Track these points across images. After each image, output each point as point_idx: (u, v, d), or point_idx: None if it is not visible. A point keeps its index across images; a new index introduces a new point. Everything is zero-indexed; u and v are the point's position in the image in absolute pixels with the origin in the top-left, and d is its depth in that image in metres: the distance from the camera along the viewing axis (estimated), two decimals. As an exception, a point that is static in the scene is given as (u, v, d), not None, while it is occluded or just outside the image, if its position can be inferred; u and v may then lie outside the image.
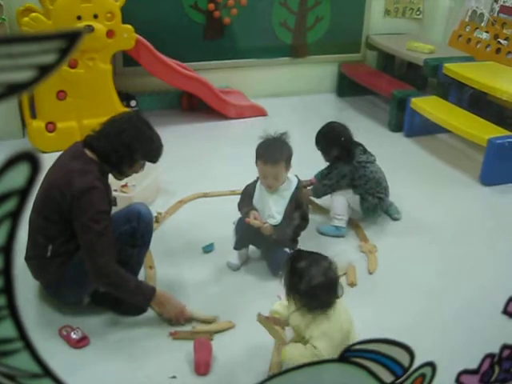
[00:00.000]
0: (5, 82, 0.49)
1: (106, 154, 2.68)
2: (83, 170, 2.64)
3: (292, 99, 5.85)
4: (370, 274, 3.17)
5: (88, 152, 2.70)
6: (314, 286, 2.17)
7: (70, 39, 0.51)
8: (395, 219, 3.76)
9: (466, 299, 3.01)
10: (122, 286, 2.63)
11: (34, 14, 4.38)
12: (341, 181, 3.55)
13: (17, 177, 0.61)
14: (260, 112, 5.43)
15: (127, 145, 2.68)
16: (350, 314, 2.30)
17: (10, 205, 0.63)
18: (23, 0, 4.77)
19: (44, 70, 0.51)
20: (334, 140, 3.58)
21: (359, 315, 2.37)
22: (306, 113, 5.55)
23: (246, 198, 3.18)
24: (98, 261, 2.55)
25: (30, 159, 0.61)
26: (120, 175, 2.85)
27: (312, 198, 3.75)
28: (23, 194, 0.63)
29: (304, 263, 2.22)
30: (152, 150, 2.80)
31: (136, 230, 2.78)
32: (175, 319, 2.73)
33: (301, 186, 3.13)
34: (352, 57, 6.15)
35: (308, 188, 3.76)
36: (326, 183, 3.62)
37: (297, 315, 2.27)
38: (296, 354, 2.22)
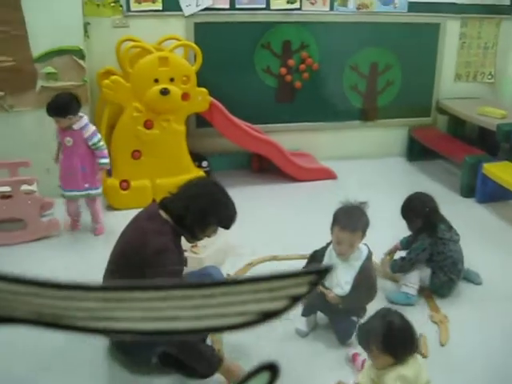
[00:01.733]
0: (263, 310, 0.55)
1: (181, 217, 2.74)
2: (158, 232, 2.70)
3: (362, 162, 5.85)
4: (442, 345, 3.08)
5: (163, 213, 2.76)
6: (391, 332, 2.36)
7: (318, 274, 0.56)
8: (478, 283, 3.70)
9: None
10: (191, 351, 2.64)
11: (113, 77, 4.57)
12: (421, 254, 3.50)
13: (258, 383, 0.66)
14: (330, 175, 5.44)
15: (202, 210, 2.72)
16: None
17: None
18: (103, 63, 4.99)
19: (295, 300, 0.57)
20: (417, 210, 3.56)
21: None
22: (376, 177, 5.53)
23: (312, 263, 3.16)
24: None
25: (272, 369, 0.67)
26: (192, 238, 2.90)
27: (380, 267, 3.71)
28: None
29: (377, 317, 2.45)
30: (226, 217, 2.84)
31: None
32: None
33: (370, 256, 3.10)
34: (422, 121, 6.13)
35: (387, 258, 3.73)
36: (405, 257, 3.56)
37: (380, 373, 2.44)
38: None
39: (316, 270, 0.57)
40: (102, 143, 4.18)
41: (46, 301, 0.52)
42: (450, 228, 3.62)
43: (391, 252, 3.79)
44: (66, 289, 0.52)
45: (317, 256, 3.17)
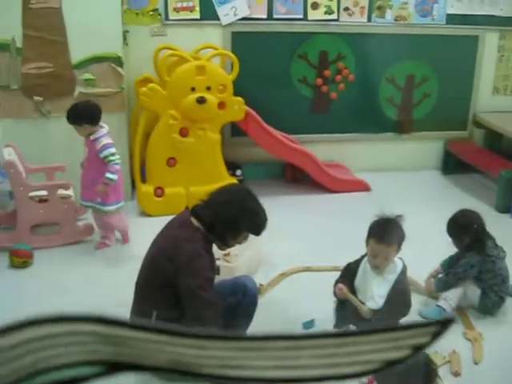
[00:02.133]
0: (386, 359, 0.57)
1: (212, 225, 2.75)
2: (190, 239, 2.71)
3: (395, 175, 5.81)
4: (476, 363, 3.04)
5: (194, 221, 2.77)
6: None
7: (442, 325, 0.58)
8: None
9: None
10: None
11: (151, 85, 4.61)
12: (468, 270, 3.44)
13: None
14: (363, 187, 5.42)
15: (233, 217, 2.73)
16: None
17: None
18: (141, 70, 5.05)
19: (416, 349, 0.59)
20: (465, 227, 3.50)
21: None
22: (410, 189, 5.49)
23: (346, 276, 3.14)
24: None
25: None
26: (223, 245, 2.91)
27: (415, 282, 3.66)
28: None
29: None
30: (257, 224, 2.84)
31: (241, 303, 2.81)
32: None
33: (405, 270, 3.06)
34: (458, 134, 6.07)
35: (431, 279, 3.65)
36: (451, 271, 3.50)
37: None
38: None
39: (440, 321, 0.58)
40: (114, 157, 4.00)
41: (176, 349, 0.54)
42: (496, 245, 3.56)
43: (433, 276, 3.68)
44: (200, 338, 0.54)
45: (351, 269, 3.14)
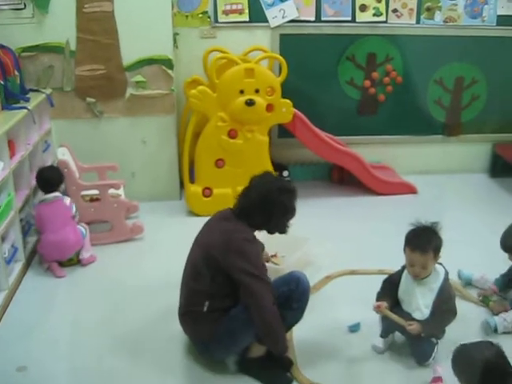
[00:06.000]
0: None
1: (250, 211, 2.87)
2: (238, 229, 2.83)
3: (442, 177, 5.79)
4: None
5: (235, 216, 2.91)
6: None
7: None
8: None
9: None
10: (278, 331, 2.75)
11: (200, 87, 4.68)
12: None
13: None
14: (409, 189, 5.41)
15: (264, 193, 2.87)
16: None
17: None
18: (190, 72, 5.13)
19: None
20: None
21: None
22: (457, 192, 5.46)
23: (387, 288, 3.12)
24: (262, 303, 2.69)
25: None
26: (271, 229, 2.99)
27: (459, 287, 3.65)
28: None
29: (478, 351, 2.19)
30: (289, 190, 2.94)
31: (293, 293, 2.86)
32: None
33: (447, 276, 3.03)
34: (507, 137, 5.98)
35: (493, 299, 3.51)
36: None
37: None
38: None
39: None
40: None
41: None
42: None
43: (487, 295, 3.54)
44: None
45: (392, 280, 3.12)
